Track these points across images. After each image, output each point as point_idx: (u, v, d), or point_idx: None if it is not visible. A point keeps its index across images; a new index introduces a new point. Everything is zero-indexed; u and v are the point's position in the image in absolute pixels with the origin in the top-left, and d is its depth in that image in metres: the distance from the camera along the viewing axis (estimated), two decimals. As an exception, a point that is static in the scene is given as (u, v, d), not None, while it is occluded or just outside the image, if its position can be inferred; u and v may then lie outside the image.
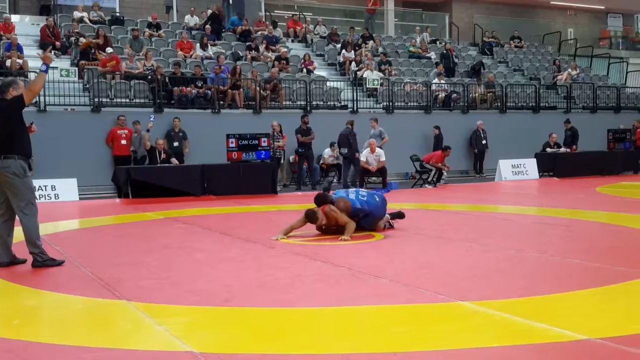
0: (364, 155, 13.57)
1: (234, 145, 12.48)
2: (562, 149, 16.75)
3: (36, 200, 5.71)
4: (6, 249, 5.70)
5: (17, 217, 5.66)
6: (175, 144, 13.77)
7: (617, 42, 29.24)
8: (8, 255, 5.71)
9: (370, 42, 20.37)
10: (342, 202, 7.14)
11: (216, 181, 12.44)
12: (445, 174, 14.55)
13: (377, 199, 7.40)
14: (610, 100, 20.95)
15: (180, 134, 14.03)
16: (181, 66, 15.67)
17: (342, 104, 16.94)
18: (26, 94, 5.51)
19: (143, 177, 11.99)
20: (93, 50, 15.34)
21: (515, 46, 23.63)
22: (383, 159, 13.38)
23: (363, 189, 7.91)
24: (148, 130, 13.38)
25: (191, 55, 16.80)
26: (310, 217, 7.03)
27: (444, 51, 20.43)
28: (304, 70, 17.65)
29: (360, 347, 3.38)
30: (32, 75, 13.91)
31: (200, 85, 15.22)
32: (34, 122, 5.96)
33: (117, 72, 14.79)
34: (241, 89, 15.48)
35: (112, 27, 17.66)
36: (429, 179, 14.10)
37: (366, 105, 17.27)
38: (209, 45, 17.47)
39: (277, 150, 14.17)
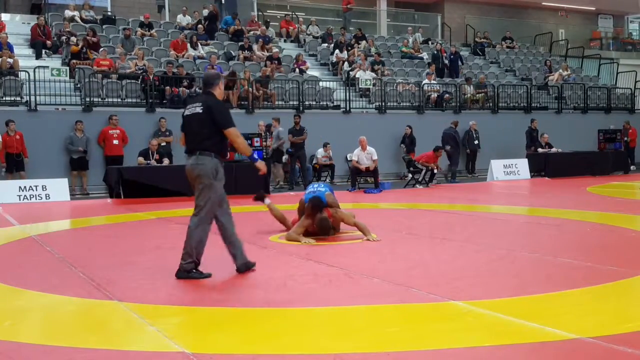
0: (355, 154, 13.58)
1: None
2: (553, 149, 16.84)
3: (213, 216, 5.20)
4: (240, 251, 5.23)
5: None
6: (163, 144, 13.71)
7: (607, 43, 29.42)
8: (243, 257, 5.23)
9: (363, 42, 20.40)
10: (331, 197, 7.00)
11: (208, 181, 12.39)
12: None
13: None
14: (601, 101, 21.08)
15: (167, 133, 13.98)
16: (174, 65, 15.62)
17: (335, 104, 16.96)
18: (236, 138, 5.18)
19: (135, 177, 11.94)
20: (84, 50, 15.26)
21: (507, 47, 23.74)
22: (375, 157, 13.41)
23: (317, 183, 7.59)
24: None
25: (183, 55, 16.76)
26: (325, 229, 6.75)
27: (435, 52, 20.50)
28: (297, 70, 17.64)
29: (353, 347, 3.38)
30: (22, 75, 13.86)
31: (191, 85, 15.17)
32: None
33: (111, 72, 14.72)
34: (236, 89, 15.45)
35: (104, 27, 17.59)
36: (420, 179, 14.14)
37: (359, 106, 17.29)
38: (199, 44, 17.44)
39: (267, 150, 14.15)
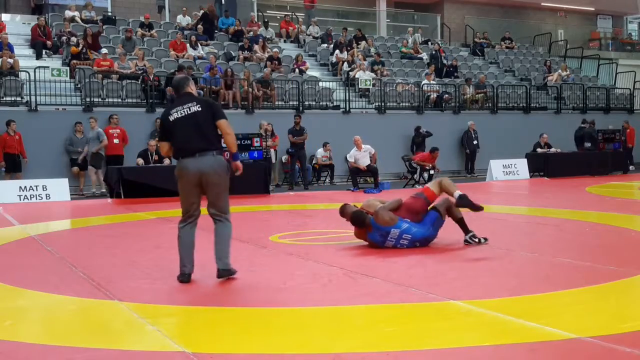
0: (351, 155, 13.59)
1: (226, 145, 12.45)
2: (552, 149, 16.87)
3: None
4: (192, 258, 5.11)
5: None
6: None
7: (606, 43, 29.43)
8: (192, 265, 5.11)
9: (363, 43, 20.42)
10: (387, 215, 6.21)
11: (208, 181, 12.39)
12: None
13: (417, 245, 6.25)
14: (600, 101, 21.10)
15: None
16: (181, 67, 15.59)
17: (335, 104, 16.98)
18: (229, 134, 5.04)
19: (135, 177, 11.95)
20: (84, 50, 15.28)
21: (506, 47, 23.75)
22: (373, 151, 13.56)
23: (408, 234, 6.23)
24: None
25: (183, 56, 16.77)
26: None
27: (433, 52, 20.52)
28: (297, 70, 17.66)
29: (352, 347, 3.39)
30: (22, 75, 13.87)
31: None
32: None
33: (111, 72, 14.72)
34: (235, 88, 15.45)
35: (104, 27, 17.60)
36: (418, 179, 14.19)
37: (358, 106, 17.31)
38: (199, 45, 17.45)
39: (267, 150, 14.18)
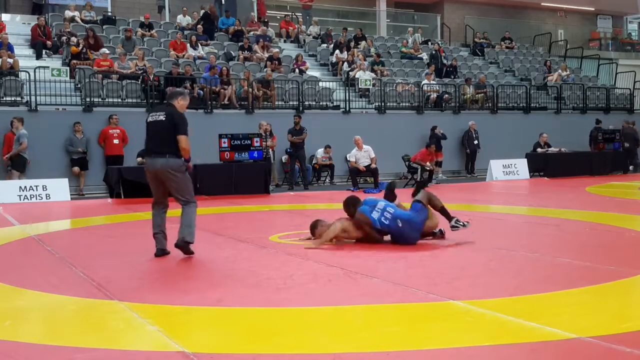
0: (352, 155, 13.60)
1: (226, 145, 12.49)
2: (552, 149, 16.87)
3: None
4: (165, 239, 6.14)
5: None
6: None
7: (606, 43, 29.44)
8: (165, 244, 6.14)
9: (363, 43, 20.43)
10: (362, 216, 6.48)
11: (208, 181, 12.42)
12: (441, 174, 14.68)
13: (400, 224, 6.35)
14: (600, 101, 21.10)
15: None
16: (178, 66, 15.61)
17: (335, 104, 16.98)
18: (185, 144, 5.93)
19: (135, 177, 11.94)
20: (85, 50, 15.28)
21: (506, 47, 23.76)
22: (373, 155, 13.53)
23: (391, 208, 6.50)
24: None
25: (184, 55, 16.78)
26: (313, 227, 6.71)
27: (433, 52, 20.53)
28: (297, 70, 17.66)
29: (352, 347, 3.39)
30: (22, 75, 13.87)
31: (192, 86, 15.18)
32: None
33: (111, 72, 14.72)
34: (231, 86, 15.45)
35: (104, 27, 17.61)
36: (418, 179, 14.17)
37: (358, 106, 17.32)
38: (199, 45, 17.46)
39: (267, 150, 14.19)
